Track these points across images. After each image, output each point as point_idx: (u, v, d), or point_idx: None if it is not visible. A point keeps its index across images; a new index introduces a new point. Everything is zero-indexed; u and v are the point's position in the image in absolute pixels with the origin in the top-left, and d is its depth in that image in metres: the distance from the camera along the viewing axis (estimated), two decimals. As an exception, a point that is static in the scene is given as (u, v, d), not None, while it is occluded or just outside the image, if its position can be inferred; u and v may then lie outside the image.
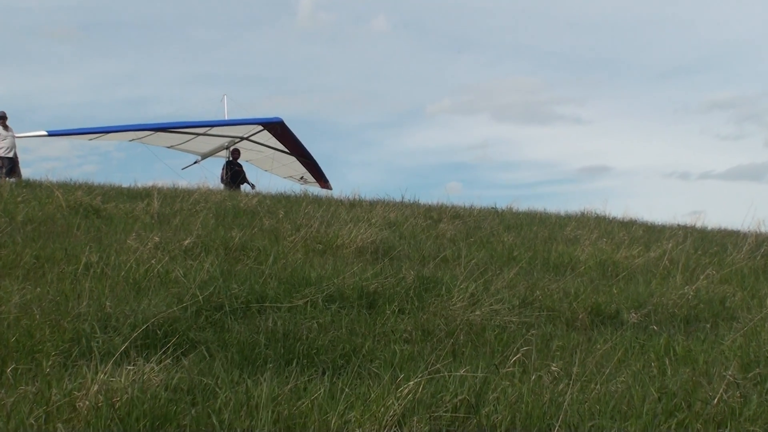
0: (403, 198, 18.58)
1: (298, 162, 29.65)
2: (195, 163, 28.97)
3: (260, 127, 27.19)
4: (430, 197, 27.12)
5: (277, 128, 27.21)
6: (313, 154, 29.26)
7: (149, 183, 18.29)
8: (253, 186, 24.49)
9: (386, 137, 77.69)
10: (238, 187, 23.99)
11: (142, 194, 15.69)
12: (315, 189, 27.41)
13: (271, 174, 30.06)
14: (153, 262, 9.18)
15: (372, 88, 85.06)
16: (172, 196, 15.42)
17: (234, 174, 25.05)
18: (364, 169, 64.98)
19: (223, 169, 25.71)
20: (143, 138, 26.79)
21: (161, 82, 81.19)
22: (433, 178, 67.48)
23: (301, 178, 30.49)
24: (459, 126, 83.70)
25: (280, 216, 13.66)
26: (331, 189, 29.51)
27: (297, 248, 11.14)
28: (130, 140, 26.98)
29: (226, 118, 27.38)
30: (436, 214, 16.37)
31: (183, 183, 19.24)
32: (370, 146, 75.70)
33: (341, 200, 17.87)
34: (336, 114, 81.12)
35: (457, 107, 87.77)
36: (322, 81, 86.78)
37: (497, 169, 75.03)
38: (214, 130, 26.99)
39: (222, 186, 23.09)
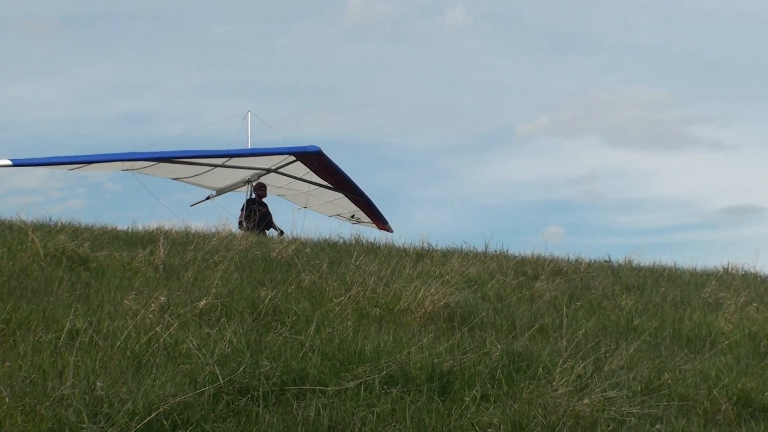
0: (486, 247, 18.70)
1: (346, 198, 29.78)
2: (207, 199, 29.25)
3: (292, 158, 27.25)
4: (522, 246, 27.00)
5: (313, 159, 27.18)
6: (365, 189, 29.42)
7: (153, 224, 18.48)
8: (281, 232, 24.60)
9: (464, 166, 77.30)
10: (263, 233, 24.06)
11: (144, 239, 15.90)
12: (370, 232, 27.46)
13: (305, 211, 30.13)
14: (158, 329, 9.27)
15: (445, 102, 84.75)
16: (182, 241, 15.60)
17: (261, 217, 25.12)
18: (435, 208, 64.68)
19: (242, 210, 25.93)
20: (140, 169, 26.79)
21: (169, 92, 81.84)
22: (527, 220, 66.83)
23: (352, 216, 30.73)
24: (560, 152, 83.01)
25: (324, 270, 13.71)
26: (391, 231, 29.70)
27: (347, 313, 11.16)
28: (123, 170, 26.94)
29: (249, 138, 27.57)
30: (530, 270, 16.38)
31: (197, 224, 19.28)
32: (443, 178, 75.40)
33: (405, 249, 17.94)
34: (398, 136, 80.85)
35: (557, 127, 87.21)
36: (380, 92, 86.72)
37: (611, 210, 74.23)
38: (234, 161, 27.09)
39: (240, 232, 23.16)
